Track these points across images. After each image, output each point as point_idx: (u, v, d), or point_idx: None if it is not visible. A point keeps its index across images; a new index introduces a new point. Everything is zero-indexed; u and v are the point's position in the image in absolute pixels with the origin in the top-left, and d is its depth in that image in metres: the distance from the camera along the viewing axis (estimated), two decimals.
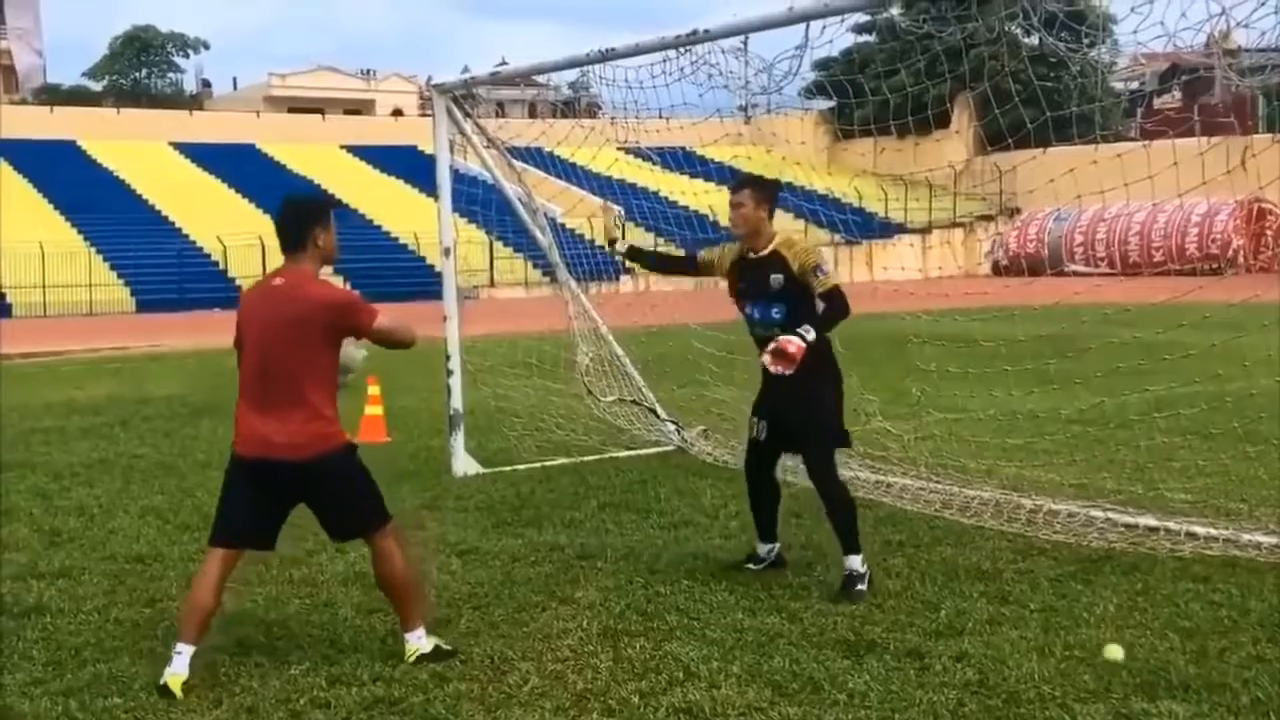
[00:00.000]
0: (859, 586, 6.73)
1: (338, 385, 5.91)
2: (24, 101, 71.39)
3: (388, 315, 5.78)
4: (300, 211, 5.89)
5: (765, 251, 6.96)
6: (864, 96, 11.54)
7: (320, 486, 5.75)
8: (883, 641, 5.94)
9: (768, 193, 7.07)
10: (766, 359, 6.67)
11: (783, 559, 7.34)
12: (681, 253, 7.75)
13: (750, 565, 7.27)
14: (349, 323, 5.71)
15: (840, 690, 5.33)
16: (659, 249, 7.93)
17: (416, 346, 6.00)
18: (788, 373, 6.59)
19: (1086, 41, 9.84)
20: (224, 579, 5.77)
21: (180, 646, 5.56)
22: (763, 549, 7.32)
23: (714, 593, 6.84)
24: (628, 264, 7.94)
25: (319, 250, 5.81)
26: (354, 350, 5.95)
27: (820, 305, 6.79)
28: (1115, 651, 4.96)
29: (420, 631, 5.86)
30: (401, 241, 47.09)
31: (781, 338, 6.65)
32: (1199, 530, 7.65)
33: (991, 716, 5.02)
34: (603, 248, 8.26)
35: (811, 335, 6.64)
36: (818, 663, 5.67)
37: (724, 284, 7.23)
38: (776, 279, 6.86)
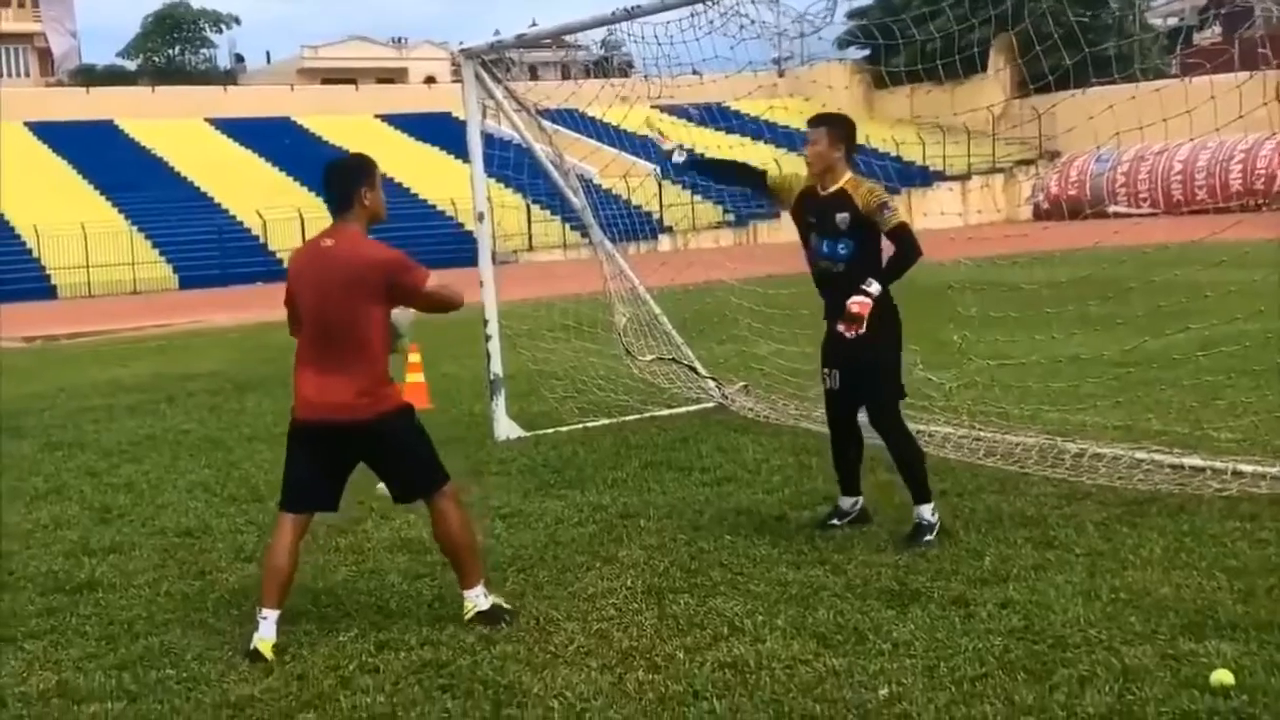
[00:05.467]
0: (927, 537, 6.71)
1: (391, 349, 5.94)
2: (60, 83, 71.93)
3: (437, 277, 5.80)
4: (344, 172, 5.89)
5: (833, 189, 6.93)
6: (900, 41, 11.38)
7: (378, 447, 5.83)
8: (927, 591, 5.93)
9: (843, 131, 7.02)
10: (841, 326, 6.77)
11: (867, 513, 7.26)
12: (755, 165, 7.58)
13: (834, 521, 7.19)
14: (402, 281, 5.71)
15: (885, 640, 5.33)
16: (726, 158, 7.71)
17: (458, 311, 6.02)
18: (860, 333, 6.71)
19: None
20: (297, 542, 5.86)
21: (265, 612, 5.68)
22: (846, 502, 7.25)
23: (757, 547, 6.84)
24: (686, 178, 7.74)
25: (366, 209, 5.82)
26: (403, 314, 5.96)
27: (888, 245, 6.84)
28: (1226, 676, 4.70)
29: (479, 589, 5.90)
30: (439, 208, 47.21)
31: (849, 301, 6.71)
32: (1245, 469, 7.57)
33: (1038, 661, 5.00)
34: (639, 207, 8.21)
35: (875, 289, 6.74)
36: (862, 614, 5.67)
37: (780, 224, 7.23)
38: (843, 218, 6.84)
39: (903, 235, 6.80)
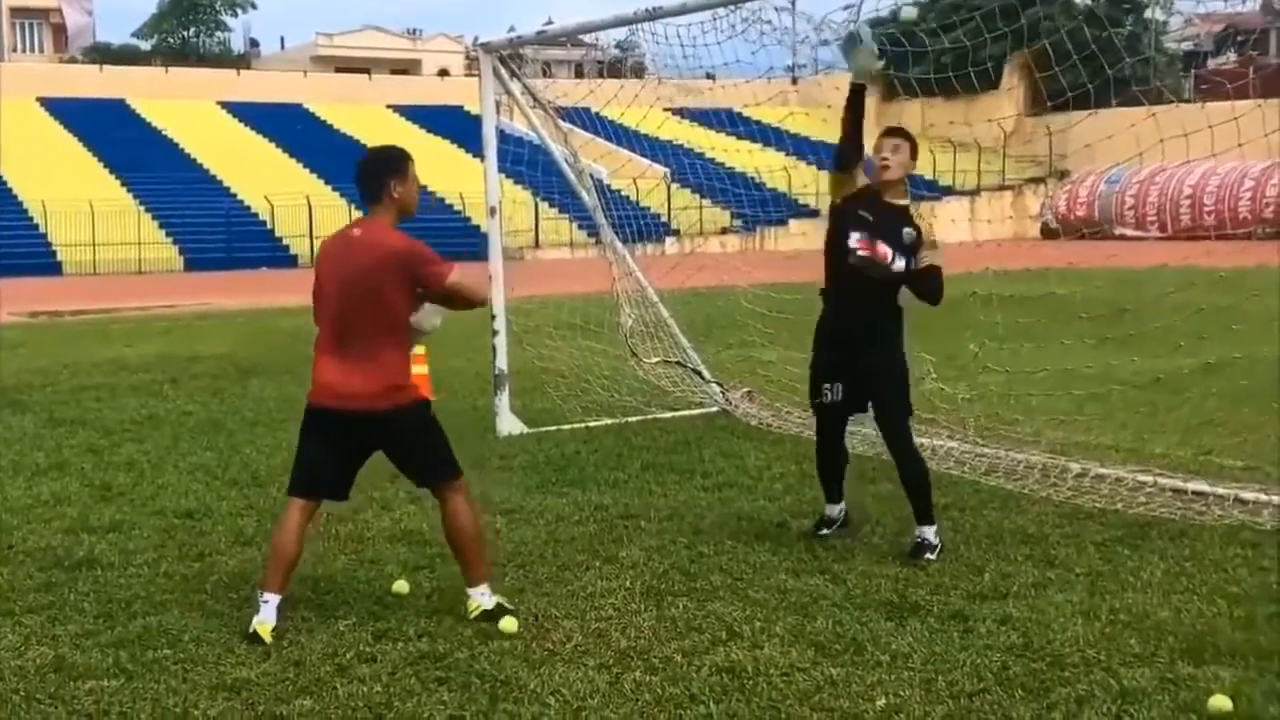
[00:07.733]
0: (928, 555, 6.68)
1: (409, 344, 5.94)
2: (74, 60, 71.91)
3: (460, 272, 5.78)
4: (377, 163, 5.92)
5: (899, 203, 6.90)
6: (915, 56, 11.39)
7: (391, 437, 5.85)
8: (926, 604, 5.93)
9: (916, 148, 7.01)
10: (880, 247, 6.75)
11: (849, 517, 7.30)
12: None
13: (824, 530, 7.20)
14: (422, 273, 5.71)
15: (883, 651, 5.33)
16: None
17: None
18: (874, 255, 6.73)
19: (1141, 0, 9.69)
20: (304, 527, 5.88)
21: (267, 595, 5.69)
22: (833, 510, 7.27)
23: (757, 554, 6.84)
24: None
25: (395, 201, 5.84)
26: (429, 316, 5.95)
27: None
28: (1224, 702, 4.73)
29: (484, 588, 5.89)
30: (447, 201, 47.18)
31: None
32: (1248, 496, 7.56)
33: (1036, 679, 5.00)
34: (648, 209, 8.14)
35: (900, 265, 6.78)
36: (861, 624, 5.67)
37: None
38: (909, 233, 6.81)
39: (936, 277, 6.83)
